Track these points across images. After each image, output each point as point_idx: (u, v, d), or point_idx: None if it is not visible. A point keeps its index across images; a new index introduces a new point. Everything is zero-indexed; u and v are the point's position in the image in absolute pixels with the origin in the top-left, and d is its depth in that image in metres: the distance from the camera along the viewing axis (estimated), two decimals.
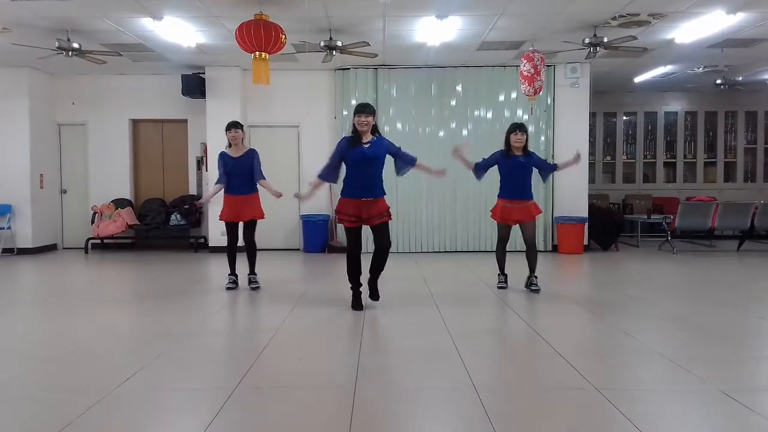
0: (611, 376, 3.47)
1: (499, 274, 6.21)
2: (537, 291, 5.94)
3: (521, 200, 5.89)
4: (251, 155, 6.18)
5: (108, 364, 3.71)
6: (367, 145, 5.00)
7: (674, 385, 3.25)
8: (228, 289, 6.21)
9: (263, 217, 6.29)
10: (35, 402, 3.08)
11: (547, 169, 6.15)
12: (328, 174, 5.18)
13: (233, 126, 6.17)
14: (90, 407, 2.90)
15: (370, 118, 4.99)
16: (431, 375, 3.45)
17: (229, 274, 6.30)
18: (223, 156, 6.18)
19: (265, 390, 3.24)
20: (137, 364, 3.57)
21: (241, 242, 6.23)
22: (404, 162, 5.18)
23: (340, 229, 9.62)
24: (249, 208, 6.15)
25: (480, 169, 5.97)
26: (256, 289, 6.26)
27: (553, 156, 9.48)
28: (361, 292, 5.22)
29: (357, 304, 5.18)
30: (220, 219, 6.24)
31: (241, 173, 6.12)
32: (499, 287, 6.15)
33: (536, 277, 6.05)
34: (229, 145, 6.20)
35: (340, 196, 5.15)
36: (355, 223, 5.06)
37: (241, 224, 6.23)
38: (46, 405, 3.03)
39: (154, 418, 2.89)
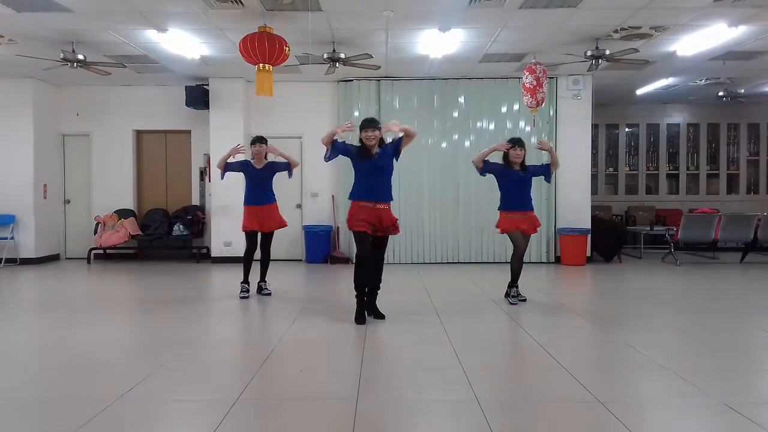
0: (615, 389, 3.45)
1: (515, 288, 6.00)
2: (515, 303, 5.89)
3: (525, 211, 5.92)
4: (270, 166, 6.37)
5: (109, 374, 3.70)
6: (375, 158, 5.11)
7: (678, 398, 3.23)
8: (242, 298, 6.26)
9: (286, 225, 6.50)
10: (36, 412, 3.07)
11: (544, 170, 6.04)
12: (333, 150, 5.08)
13: (258, 141, 6.34)
14: (91, 418, 2.89)
15: (377, 132, 5.10)
16: (433, 387, 3.43)
17: (242, 282, 6.37)
18: (247, 164, 6.32)
19: (266, 402, 3.24)
20: (139, 375, 3.56)
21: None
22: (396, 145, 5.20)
23: (343, 239, 9.65)
24: (271, 217, 6.32)
25: (485, 169, 5.93)
26: (268, 295, 6.39)
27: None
28: (366, 304, 5.17)
29: (361, 318, 5.06)
30: (243, 230, 6.32)
31: (263, 183, 6.31)
32: (516, 302, 5.91)
33: (517, 287, 6.00)
34: (252, 158, 6.34)
35: (351, 201, 5.14)
36: (368, 228, 5.02)
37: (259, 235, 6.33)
38: (47, 415, 3.02)
39: (155, 429, 2.88)
